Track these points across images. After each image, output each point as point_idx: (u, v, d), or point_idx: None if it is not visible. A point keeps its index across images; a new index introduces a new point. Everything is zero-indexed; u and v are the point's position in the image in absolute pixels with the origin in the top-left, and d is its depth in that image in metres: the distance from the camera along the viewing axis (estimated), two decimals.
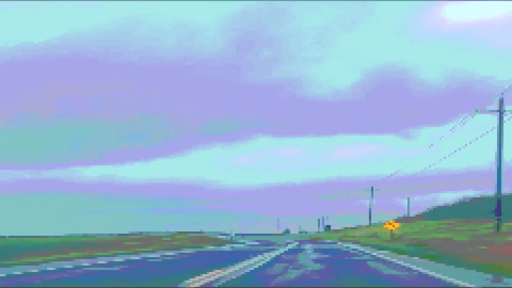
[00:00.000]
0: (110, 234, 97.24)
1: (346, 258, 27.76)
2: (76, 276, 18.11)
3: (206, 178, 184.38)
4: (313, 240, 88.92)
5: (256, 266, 21.04)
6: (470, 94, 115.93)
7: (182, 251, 39.78)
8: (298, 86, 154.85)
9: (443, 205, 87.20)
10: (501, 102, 42.80)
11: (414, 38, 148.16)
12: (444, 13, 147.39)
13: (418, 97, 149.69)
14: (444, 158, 58.57)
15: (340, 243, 64.30)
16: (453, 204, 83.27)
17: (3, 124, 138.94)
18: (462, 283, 14.72)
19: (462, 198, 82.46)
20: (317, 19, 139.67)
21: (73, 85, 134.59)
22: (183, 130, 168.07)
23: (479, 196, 75.86)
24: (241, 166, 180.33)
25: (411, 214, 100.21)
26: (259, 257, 27.69)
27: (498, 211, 44.26)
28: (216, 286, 14.35)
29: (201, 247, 48.73)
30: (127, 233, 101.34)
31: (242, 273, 18.13)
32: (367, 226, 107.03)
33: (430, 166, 70.50)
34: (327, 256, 29.67)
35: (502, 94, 42.37)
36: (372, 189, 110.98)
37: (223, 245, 56.04)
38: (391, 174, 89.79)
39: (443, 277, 16.40)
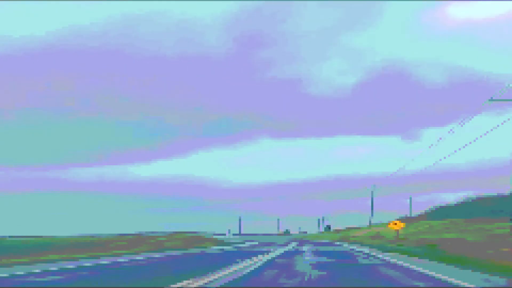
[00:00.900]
0: (109, 234, 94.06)
1: (352, 262, 23.60)
2: None
3: (207, 179, 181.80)
4: (314, 240, 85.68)
5: (241, 274, 16.91)
6: (473, 93, 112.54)
7: (168, 253, 35.72)
8: (299, 86, 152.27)
9: (444, 205, 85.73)
10: None
11: (417, 38, 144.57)
12: (449, 12, 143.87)
13: (420, 97, 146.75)
14: (444, 158, 57.83)
15: (342, 244, 60.70)
16: (455, 204, 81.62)
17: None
18: None
19: (465, 198, 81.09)
20: (319, 19, 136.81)
21: (71, 83, 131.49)
22: (184, 130, 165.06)
23: (482, 196, 75.66)
24: (241, 166, 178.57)
25: (413, 214, 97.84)
26: (249, 261, 23.53)
27: None
28: None
29: (190, 249, 44.60)
30: (127, 233, 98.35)
31: (218, 285, 13.97)
32: (369, 226, 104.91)
33: (430, 166, 67.48)
34: (329, 260, 25.51)
35: None
36: (373, 189, 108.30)
37: (216, 246, 52.03)
38: (392, 174, 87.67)
39: None
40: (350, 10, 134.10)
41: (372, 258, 27.37)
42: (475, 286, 13.54)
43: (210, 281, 14.64)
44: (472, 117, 42.01)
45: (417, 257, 26.91)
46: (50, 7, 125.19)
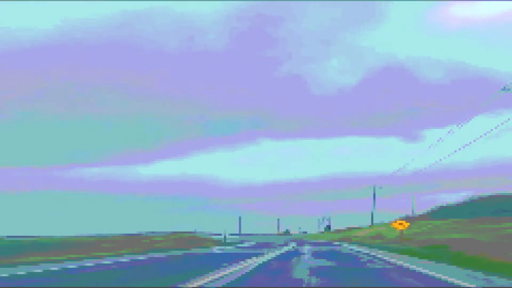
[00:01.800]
0: (107, 234, 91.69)
1: (357, 266, 20.40)
2: None
3: (207, 179, 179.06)
4: (314, 241, 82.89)
5: (225, 283, 13.76)
6: (475, 93, 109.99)
7: (151, 255, 32.62)
8: (301, 86, 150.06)
9: (446, 204, 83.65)
10: None
11: (419, 37, 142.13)
12: (452, 11, 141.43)
13: (421, 97, 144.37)
14: (445, 158, 58.73)
15: (343, 244, 57.61)
16: (458, 204, 79.70)
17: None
18: None
19: (467, 197, 79.41)
20: (320, 18, 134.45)
21: (72, 82, 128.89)
22: (184, 130, 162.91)
23: (485, 195, 74.12)
24: (242, 166, 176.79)
25: (415, 214, 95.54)
26: (238, 266, 20.35)
27: None
28: None
29: (175, 250, 41.47)
30: (126, 233, 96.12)
31: None
32: (370, 226, 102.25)
33: (430, 166, 66.00)
34: (330, 263, 22.33)
35: None
36: (374, 189, 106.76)
37: (208, 248, 48.90)
38: (393, 173, 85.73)
39: None
40: (352, 9, 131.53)
41: (378, 260, 24.20)
42: None
43: None
44: (474, 117, 41.50)
45: (431, 260, 23.81)
46: (51, 4, 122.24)
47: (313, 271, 17.47)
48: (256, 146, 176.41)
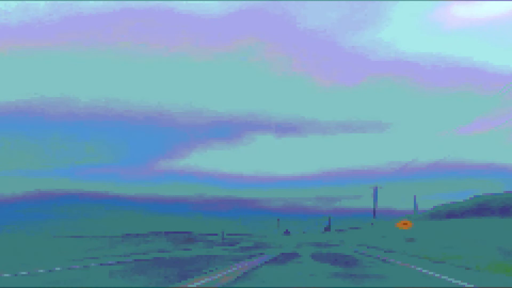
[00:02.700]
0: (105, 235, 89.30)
1: (369, 275, 16.60)
2: None
3: (207, 178, 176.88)
4: (314, 241, 79.65)
5: None
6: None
7: (121, 260, 28.97)
8: (302, 85, 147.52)
9: (449, 203, 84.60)
10: None
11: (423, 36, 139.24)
12: (454, 11, 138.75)
13: (422, 96, 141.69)
14: (444, 158, 55.62)
15: (344, 245, 54.07)
16: (460, 203, 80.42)
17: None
18: None
19: (470, 197, 79.90)
20: (323, 17, 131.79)
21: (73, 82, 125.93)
22: (185, 130, 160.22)
23: (488, 195, 75.11)
24: (242, 166, 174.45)
25: (417, 214, 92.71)
26: (217, 274, 16.67)
27: None
28: None
29: (162, 252, 38.01)
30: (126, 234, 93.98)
31: None
32: (372, 226, 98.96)
33: (432, 165, 63.74)
34: (335, 268, 18.62)
35: None
36: (375, 189, 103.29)
37: (197, 249, 45.41)
38: (393, 171, 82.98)
39: None
40: (355, 9, 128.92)
41: (395, 266, 20.54)
42: None
43: None
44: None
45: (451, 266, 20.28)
46: None
47: (313, 280, 13.82)
48: (256, 146, 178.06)
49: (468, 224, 61.07)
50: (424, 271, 17.41)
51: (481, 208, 72.47)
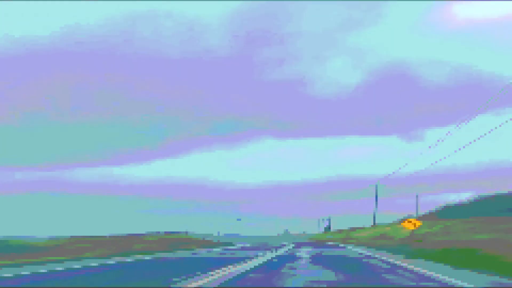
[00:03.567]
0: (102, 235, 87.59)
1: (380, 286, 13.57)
2: None
3: (207, 179, 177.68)
4: (314, 242, 77.26)
5: None
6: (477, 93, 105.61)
7: (107, 262, 26.06)
8: (302, 86, 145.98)
9: (453, 203, 79.44)
10: None
11: (420, 37, 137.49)
12: (452, 12, 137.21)
13: (423, 96, 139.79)
14: (444, 158, 55.96)
15: (346, 246, 51.40)
16: (463, 203, 75.05)
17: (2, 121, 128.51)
18: None
19: (478, 197, 74.64)
20: (322, 18, 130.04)
21: (71, 82, 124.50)
22: (185, 130, 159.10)
23: (493, 194, 69.51)
24: (242, 166, 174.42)
25: (419, 214, 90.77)
26: (205, 279, 13.65)
27: None
28: None
29: (148, 254, 35.41)
30: (126, 233, 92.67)
31: None
32: (372, 226, 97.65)
33: (432, 164, 63.36)
34: (336, 276, 15.61)
35: None
36: (376, 189, 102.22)
37: (190, 250, 42.97)
38: (394, 172, 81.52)
39: None
40: (353, 9, 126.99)
41: (404, 273, 17.56)
42: None
43: None
44: (476, 116, 39.15)
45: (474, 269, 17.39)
46: (52, 7, 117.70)
47: None
48: (257, 146, 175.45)
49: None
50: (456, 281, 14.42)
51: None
